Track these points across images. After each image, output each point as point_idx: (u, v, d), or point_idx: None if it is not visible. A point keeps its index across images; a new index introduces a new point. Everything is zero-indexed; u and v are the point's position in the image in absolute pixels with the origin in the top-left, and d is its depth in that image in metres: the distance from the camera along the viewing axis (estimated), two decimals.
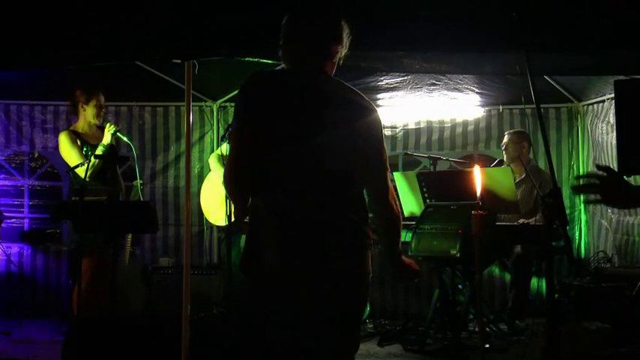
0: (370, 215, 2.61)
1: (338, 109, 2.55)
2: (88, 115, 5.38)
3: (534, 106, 6.77)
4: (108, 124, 5.32)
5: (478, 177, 4.60)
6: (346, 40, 2.63)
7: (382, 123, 2.65)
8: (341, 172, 2.53)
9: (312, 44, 2.58)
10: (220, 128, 6.87)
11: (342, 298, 2.48)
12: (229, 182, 2.58)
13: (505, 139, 6.21)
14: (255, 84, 2.58)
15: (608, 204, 2.16)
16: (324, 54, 2.60)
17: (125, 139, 5.40)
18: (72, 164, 5.28)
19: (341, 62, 2.67)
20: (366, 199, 2.60)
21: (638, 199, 2.18)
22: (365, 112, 2.59)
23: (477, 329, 5.31)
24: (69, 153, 5.29)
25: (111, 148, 5.33)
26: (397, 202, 2.66)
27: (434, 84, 6.41)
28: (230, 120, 5.89)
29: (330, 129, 2.52)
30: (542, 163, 6.79)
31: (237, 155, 2.53)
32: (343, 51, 2.64)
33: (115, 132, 5.29)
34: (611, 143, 6.03)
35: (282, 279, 2.46)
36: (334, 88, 2.60)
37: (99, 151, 5.20)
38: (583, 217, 6.82)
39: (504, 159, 6.21)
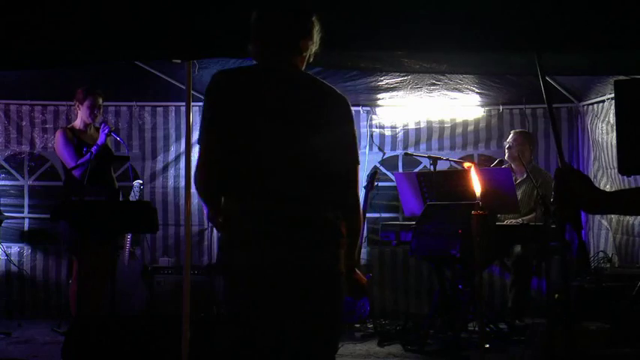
0: None
1: (312, 103, 2.52)
2: (82, 114, 5.43)
3: (535, 106, 6.84)
4: (103, 125, 5.36)
5: (476, 181, 4.59)
6: (317, 37, 2.60)
7: (353, 114, 2.63)
8: (317, 169, 2.49)
9: (282, 40, 2.54)
10: None
11: (320, 297, 2.46)
12: (200, 185, 2.54)
13: (510, 138, 6.20)
14: (223, 82, 2.54)
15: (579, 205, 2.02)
16: (294, 49, 2.56)
17: (118, 138, 5.45)
18: (66, 162, 5.31)
19: (311, 59, 2.63)
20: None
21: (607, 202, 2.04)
22: (339, 105, 2.56)
23: (477, 329, 5.31)
24: (63, 151, 5.32)
25: (106, 149, 5.35)
26: (360, 207, 2.63)
27: (434, 84, 6.41)
28: None
29: (305, 124, 2.49)
30: (541, 163, 6.80)
31: (208, 157, 2.49)
32: (314, 47, 2.61)
33: (110, 132, 5.32)
34: (611, 143, 6.02)
35: (261, 279, 2.43)
36: (307, 83, 2.57)
37: (93, 150, 5.24)
38: (583, 217, 6.82)
39: (505, 157, 6.21)
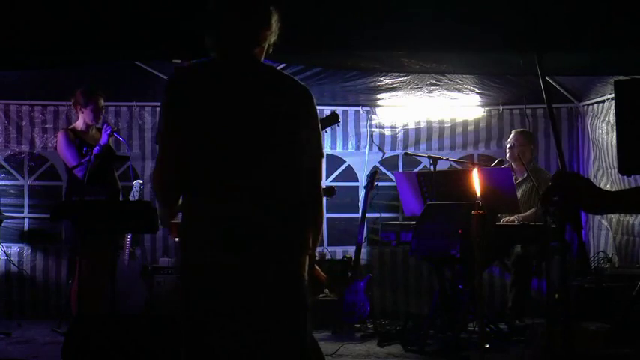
0: None
1: (278, 97, 2.44)
2: (86, 118, 5.44)
3: (535, 106, 6.84)
4: (105, 125, 5.37)
5: (476, 177, 4.59)
6: (275, 26, 2.51)
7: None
8: (286, 166, 2.42)
9: (241, 32, 2.45)
10: None
11: (289, 302, 2.40)
12: (161, 186, 2.43)
13: (511, 138, 6.18)
14: (185, 79, 2.45)
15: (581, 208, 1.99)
16: (253, 41, 2.47)
17: (121, 138, 5.45)
18: (69, 163, 5.31)
19: (270, 50, 2.55)
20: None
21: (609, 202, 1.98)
22: (304, 98, 2.48)
23: (477, 329, 5.31)
24: (66, 152, 5.33)
25: (108, 149, 5.36)
26: (323, 202, 2.56)
27: (434, 84, 6.41)
28: None
29: (273, 120, 2.40)
30: (541, 163, 6.80)
31: (171, 157, 2.37)
32: (272, 37, 2.52)
33: (112, 132, 5.32)
34: (611, 143, 6.02)
35: (233, 283, 2.34)
36: (270, 76, 2.50)
37: (96, 151, 5.24)
38: (583, 217, 6.82)
39: (507, 156, 6.20)
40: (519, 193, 5.85)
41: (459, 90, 6.58)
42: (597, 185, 5.87)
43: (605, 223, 6.46)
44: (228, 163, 2.37)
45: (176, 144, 2.37)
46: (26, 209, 6.86)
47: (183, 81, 2.46)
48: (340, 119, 5.34)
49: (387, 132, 7.07)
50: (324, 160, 2.57)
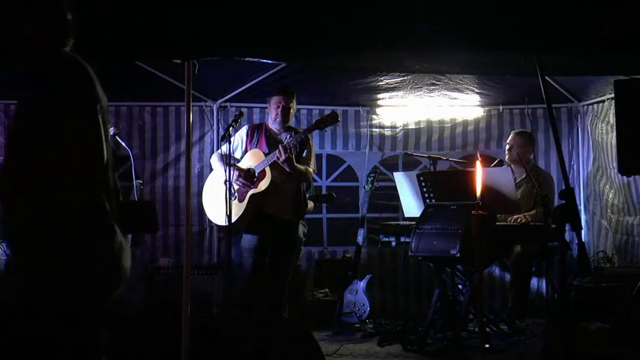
0: None
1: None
2: None
3: (535, 106, 6.85)
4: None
5: (478, 177, 4.59)
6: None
7: None
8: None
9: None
10: (220, 128, 6.87)
11: None
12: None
13: (510, 139, 6.17)
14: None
15: None
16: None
17: (123, 143, 5.45)
18: None
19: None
20: None
21: None
22: None
23: (477, 329, 5.31)
24: None
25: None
26: None
27: (434, 84, 6.41)
28: (230, 120, 5.88)
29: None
30: (541, 163, 6.80)
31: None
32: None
33: (115, 135, 5.33)
34: (611, 143, 6.03)
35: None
36: None
37: None
38: (583, 217, 6.82)
39: (506, 158, 6.20)
40: (519, 193, 5.85)
41: (459, 90, 6.59)
42: (597, 185, 5.87)
43: (605, 223, 6.46)
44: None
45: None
46: None
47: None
48: (340, 119, 5.34)
49: (387, 132, 7.06)
50: None
